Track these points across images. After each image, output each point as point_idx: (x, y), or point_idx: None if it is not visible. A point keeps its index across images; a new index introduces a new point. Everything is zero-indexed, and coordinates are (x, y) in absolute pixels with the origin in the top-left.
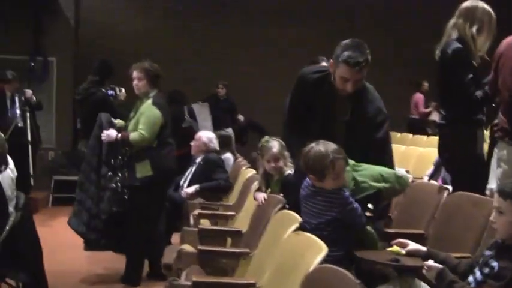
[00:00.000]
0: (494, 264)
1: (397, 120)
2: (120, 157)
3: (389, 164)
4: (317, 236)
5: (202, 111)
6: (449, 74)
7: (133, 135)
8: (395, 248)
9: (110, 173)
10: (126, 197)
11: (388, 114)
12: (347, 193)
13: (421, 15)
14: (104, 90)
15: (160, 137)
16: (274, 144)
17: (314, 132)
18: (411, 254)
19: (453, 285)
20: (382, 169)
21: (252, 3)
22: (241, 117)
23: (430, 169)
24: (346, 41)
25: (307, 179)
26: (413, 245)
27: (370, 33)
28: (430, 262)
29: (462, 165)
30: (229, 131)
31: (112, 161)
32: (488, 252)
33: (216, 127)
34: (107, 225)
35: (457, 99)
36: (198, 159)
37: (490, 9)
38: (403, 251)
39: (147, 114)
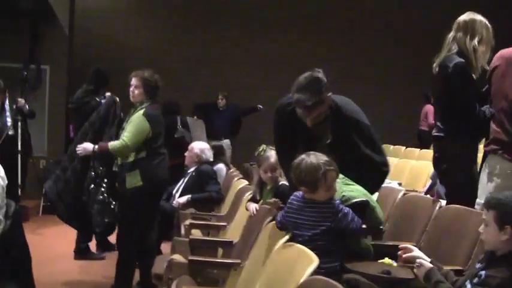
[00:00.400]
0: (482, 273)
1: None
2: (101, 168)
3: (381, 171)
4: (311, 247)
5: (197, 128)
6: (452, 88)
7: (113, 144)
8: (386, 260)
9: (92, 186)
10: (112, 206)
11: (369, 123)
12: (338, 201)
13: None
14: (98, 99)
15: (150, 147)
16: (272, 154)
17: (300, 151)
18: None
19: (439, 284)
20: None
21: (252, 13)
22: (260, 107)
23: (428, 183)
24: (300, 79)
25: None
26: (417, 252)
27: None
28: (422, 260)
29: (459, 179)
30: (226, 141)
31: (93, 173)
32: (478, 265)
33: (216, 138)
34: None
35: (458, 113)
36: (191, 170)
37: (487, 22)
38: (395, 263)
39: (134, 123)
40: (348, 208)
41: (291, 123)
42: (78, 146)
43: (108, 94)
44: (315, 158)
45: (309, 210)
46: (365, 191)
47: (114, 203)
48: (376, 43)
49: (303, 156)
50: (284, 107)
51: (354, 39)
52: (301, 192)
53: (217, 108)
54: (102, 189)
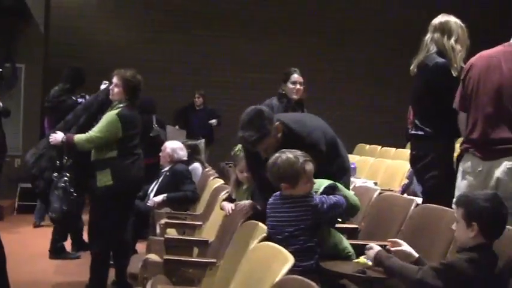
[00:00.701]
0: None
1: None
2: (66, 158)
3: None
4: (290, 245)
5: (178, 138)
6: (434, 87)
7: (79, 136)
8: (361, 260)
9: (55, 174)
10: (73, 198)
11: (332, 135)
12: (314, 195)
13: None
14: (74, 98)
15: (123, 147)
16: None
17: None
18: (402, 256)
19: (389, 259)
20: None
21: (231, 14)
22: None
23: (404, 182)
24: (243, 116)
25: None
26: (406, 247)
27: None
28: (373, 244)
29: (439, 178)
30: (202, 141)
31: (58, 162)
32: None
33: (193, 137)
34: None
35: (441, 112)
36: (165, 169)
37: (461, 22)
38: (370, 262)
39: (105, 121)
40: (323, 196)
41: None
42: (51, 135)
43: (105, 82)
44: (289, 153)
45: (288, 206)
46: (329, 180)
47: (75, 194)
48: (352, 43)
49: (276, 154)
50: None
51: (335, 40)
52: (277, 193)
53: (193, 108)
54: (66, 178)
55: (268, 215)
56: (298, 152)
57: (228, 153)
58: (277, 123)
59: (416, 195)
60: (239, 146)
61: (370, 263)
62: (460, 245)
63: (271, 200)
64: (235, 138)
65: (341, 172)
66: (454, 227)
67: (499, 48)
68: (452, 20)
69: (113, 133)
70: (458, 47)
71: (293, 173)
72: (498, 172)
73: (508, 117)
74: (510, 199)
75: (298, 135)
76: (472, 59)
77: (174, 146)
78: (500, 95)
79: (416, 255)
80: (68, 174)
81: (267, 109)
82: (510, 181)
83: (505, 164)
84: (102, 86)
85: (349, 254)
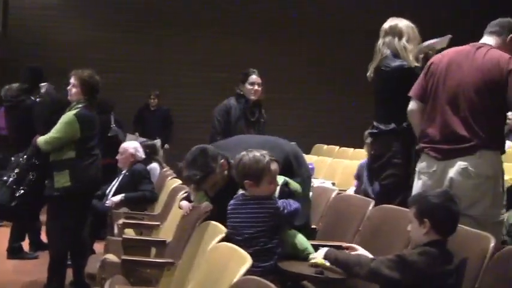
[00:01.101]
0: None
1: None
2: (21, 158)
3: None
4: (250, 246)
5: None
6: (395, 88)
7: (41, 138)
8: (319, 260)
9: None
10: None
11: (288, 151)
12: (276, 199)
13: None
14: (33, 98)
15: (81, 148)
16: None
17: None
18: None
19: (336, 254)
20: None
21: (193, 13)
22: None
23: (354, 182)
24: (187, 156)
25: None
26: (362, 251)
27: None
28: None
29: (395, 177)
30: (157, 141)
31: (12, 159)
32: None
33: (149, 137)
34: None
35: (399, 111)
36: (124, 170)
37: (410, 22)
38: (328, 263)
39: (62, 121)
40: (284, 201)
41: None
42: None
43: (43, 85)
44: (256, 151)
45: (250, 207)
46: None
47: (21, 189)
48: (309, 44)
49: (243, 153)
50: None
51: (291, 40)
52: (239, 194)
53: (148, 108)
54: (30, 177)
55: (228, 216)
56: (264, 151)
57: (184, 153)
58: (222, 160)
59: (368, 196)
60: None
61: (328, 264)
62: (414, 244)
63: (232, 201)
64: (193, 138)
65: (306, 180)
66: (409, 228)
67: (466, 47)
68: (401, 22)
69: (71, 134)
70: (410, 46)
71: (258, 170)
72: (452, 172)
73: (464, 116)
74: (463, 199)
75: None
76: (439, 55)
77: (136, 145)
78: (458, 94)
79: (372, 257)
80: (34, 174)
81: (211, 147)
82: (463, 181)
83: (459, 164)
84: (42, 90)
85: (309, 254)
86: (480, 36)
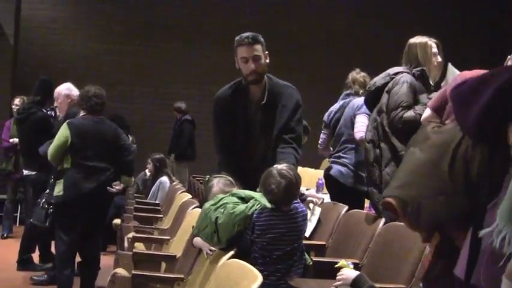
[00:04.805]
0: None
1: None
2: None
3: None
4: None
5: None
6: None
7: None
8: (343, 262)
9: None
10: (47, 212)
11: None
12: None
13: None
14: (44, 110)
15: (74, 159)
16: (213, 184)
17: (240, 142)
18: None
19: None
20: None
21: (189, 26)
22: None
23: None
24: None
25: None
26: (348, 271)
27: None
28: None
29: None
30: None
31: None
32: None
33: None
34: None
35: None
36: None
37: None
38: (351, 266)
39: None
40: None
41: (230, 110)
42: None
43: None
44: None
45: (290, 221)
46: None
47: (47, 208)
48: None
49: (277, 166)
50: (223, 93)
51: (287, 53)
52: (266, 210)
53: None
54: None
55: (263, 232)
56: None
57: (194, 167)
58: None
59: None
60: (207, 177)
61: (351, 267)
62: None
63: (264, 219)
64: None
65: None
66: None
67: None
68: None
69: (62, 140)
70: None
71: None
72: None
73: None
74: None
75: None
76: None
77: (67, 86)
78: None
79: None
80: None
81: None
82: None
83: None
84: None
85: (310, 263)
86: None
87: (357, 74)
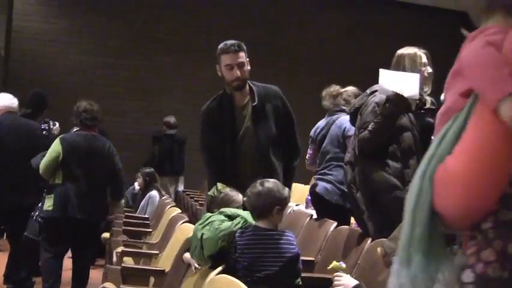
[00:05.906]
0: None
1: None
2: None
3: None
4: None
5: None
6: None
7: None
8: (335, 264)
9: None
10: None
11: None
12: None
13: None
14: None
15: (66, 173)
16: (227, 190)
17: (228, 157)
18: None
19: None
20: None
21: (186, 40)
22: None
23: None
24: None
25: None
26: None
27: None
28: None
29: None
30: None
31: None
32: None
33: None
34: None
35: None
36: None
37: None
38: (344, 265)
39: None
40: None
41: (217, 122)
42: None
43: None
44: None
45: (270, 242)
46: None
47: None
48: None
49: (258, 183)
50: (209, 106)
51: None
52: (250, 229)
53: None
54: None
55: (243, 252)
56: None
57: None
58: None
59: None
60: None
61: (343, 266)
62: None
63: (244, 237)
64: (191, 165)
65: None
66: None
67: None
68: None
69: (54, 156)
70: None
71: (286, 197)
72: None
73: None
74: None
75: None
76: None
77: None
78: None
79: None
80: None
81: None
82: None
83: None
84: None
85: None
86: None
87: (330, 88)
